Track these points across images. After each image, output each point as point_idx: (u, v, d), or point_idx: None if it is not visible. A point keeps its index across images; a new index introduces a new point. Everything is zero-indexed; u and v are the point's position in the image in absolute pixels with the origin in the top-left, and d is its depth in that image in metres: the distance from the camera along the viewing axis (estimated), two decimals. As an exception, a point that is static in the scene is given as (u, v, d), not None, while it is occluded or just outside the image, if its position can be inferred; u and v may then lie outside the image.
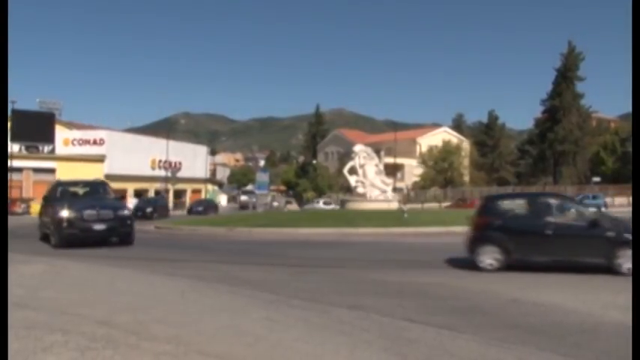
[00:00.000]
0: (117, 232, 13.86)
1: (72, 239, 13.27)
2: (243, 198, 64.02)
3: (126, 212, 14.37)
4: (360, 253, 14.02)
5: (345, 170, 31.49)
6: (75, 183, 17.33)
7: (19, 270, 8.35)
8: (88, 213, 13.50)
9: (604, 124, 78.96)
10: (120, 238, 14.00)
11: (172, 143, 57.11)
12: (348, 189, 34.25)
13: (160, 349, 4.31)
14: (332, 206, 48.60)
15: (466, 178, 66.10)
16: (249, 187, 74.59)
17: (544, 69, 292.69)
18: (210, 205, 46.56)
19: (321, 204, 52.40)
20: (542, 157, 69.52)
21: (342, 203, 32.44)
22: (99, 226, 13.46)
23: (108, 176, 47.37)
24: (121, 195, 17.32)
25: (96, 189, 16.06)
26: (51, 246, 13.52)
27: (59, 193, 15.08)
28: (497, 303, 6.73)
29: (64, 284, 7.83)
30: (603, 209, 38.49)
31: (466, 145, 68.28)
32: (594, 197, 43.37)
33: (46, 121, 49.03)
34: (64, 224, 13.21)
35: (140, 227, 18.59)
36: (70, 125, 59.45)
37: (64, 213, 13.30)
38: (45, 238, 14.84)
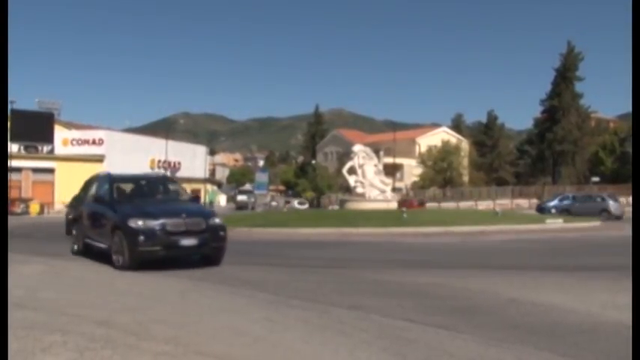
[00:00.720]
0: (208, 248, 9.89)
1: (150, 258, 9.40)
2: (241, 198, 63.15)
3: (218, 220, 10.19)
4: (360, 253, 14.04)
5: (345, 170, 31.47)
6: (133, 178, 12.63)
7: (18, 270, 8.34)
8: (174, 222, 9.49)
9: (603, 124, 79.05)
10: (208, 255, 10.05)
11: (171, 143, 57.21)
12: (348, 189, 34.25)
13: (158, 350, 4.32)
14: (305, 206, 54.73)
15: (465, 178, 66.16)
16: (247, 187, 74.44)
17: (543, 69, 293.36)
18: None
19: (295, 204, 54.49)
20: (542, 157, 69.61)
21: (342, 203, 32.42)
22: (188, 241, 9.48)
23: (107, 176, 47.43)
24: (195, 195, 13.54)
25: (157, 186, 11.93)
26: (116, 267, 9.47)
27: (115, 192, 10.78)
28: (496, 303, 6.74)
29: (64, 284, 7.83)
30: None
31: (465, 145, 68.30)
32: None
33: (45, 121, 49.09)
34: (141, 238, 9.19)
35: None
36: (69, 125, 59.57)
37: (139, 222, 9.30)
38: (87, 250, 11.24)
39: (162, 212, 9.75)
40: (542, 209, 37.86)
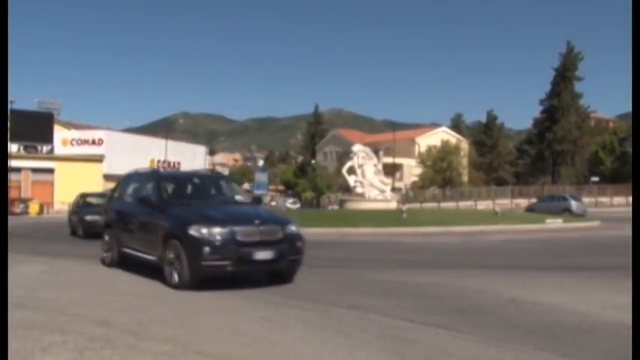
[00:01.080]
0: (285, 262, 7.92)
1: (215, 275, 7.59)
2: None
3: (295, 228, 8.27)
4: (359, 253, 14.04)
5: (344, 170, 31.46)
6: (183, 176, 10.89)
7: (18, 270, 8.33)
8: (246, 230, 7.64)
9: (602, 123, 79.19)
10: (283, 271, 8.14)
11: (171, 143, 57.10)
12: (347, 189, 34.26)
13: (158, 349, 4.32)
14: (297, 206, 56.89)
15: (465, 178, 66.17)
16: (246, 186, 74.34)
17: (543, 69, 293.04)
18: None
19: (287, 204, 55.33)
20: (541, 157, 69.64)
21: (341, 203, 32.42)
22: (263, 254, 7.61)
23: (107, 176, 47.42)
24: (257, 196, 12.10)
25: (210, 186, 9.84)
26: (170, 286, 7.58)
27: (165, 193, 8.96)
28: (495, 303, 6.74)
29: (63, 284, 7.82)
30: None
31: (465, 144, 68.31)
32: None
33: (45, 121, 48.99)
34: (205, 250, 7.33)
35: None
36: (69, 125, 59.54)
37: (202, 230, 7.44)
38: (123, 261, 9.35)
39: (230, 217, 7.84)
40: (533, 209, 39.13)
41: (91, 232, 16.59)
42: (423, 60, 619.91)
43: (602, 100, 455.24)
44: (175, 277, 7.57)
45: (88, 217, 17.63)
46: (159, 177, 9.41)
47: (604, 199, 52.83)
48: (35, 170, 46.93)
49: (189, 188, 9.63)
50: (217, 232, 7.46)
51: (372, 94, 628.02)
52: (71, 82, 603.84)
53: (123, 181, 10.58)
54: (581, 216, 31.08)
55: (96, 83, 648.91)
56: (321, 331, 5.16)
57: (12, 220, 21.55)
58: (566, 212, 32.22)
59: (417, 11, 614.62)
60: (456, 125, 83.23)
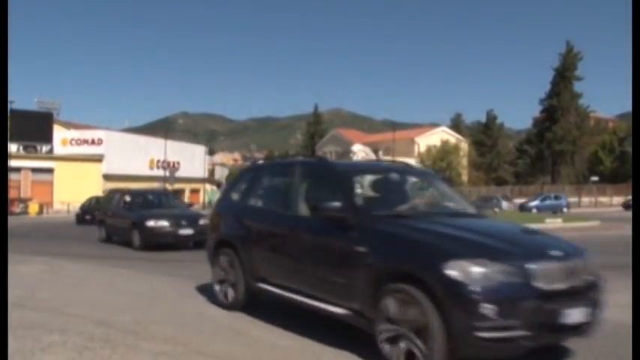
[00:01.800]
0: (593, 325, 4.25)
1: (496, 355, 3.84)
2: None
3: (585, 256, 4.72)
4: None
5: (344, 170, 31.51)
6: (374, 171, 6.08)
7: (17, 270, 8.32)
8: (547, 270, 3.95)
9: (602, 123, 79.36)
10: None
11: (170, 143, 57.10)
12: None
13: (158, 349, 4.31)
14: None
15: (464, 178, 66.24)
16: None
17: (542, 69, 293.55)
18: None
19: None
20: (541, 157, 69.77)
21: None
22: (577, 314, 4.02)
23: (106, 176, 47.45)
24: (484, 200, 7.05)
25: (411, 189, 5.95)
26: None
27: (356, 198, 5.17)
28: (495, 302, 6.72)
29: (63, 284, 7.81)
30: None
31: (464, 144, 68.39)
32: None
33: (44, 121, 49.04)
34: (486, 310, 3.64)
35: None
36: (68, 125, 59.61)
37: (473, 270, 3.78)
38: (252, 300, 6.04)
39: (509, 245, 4.27)
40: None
41: (155, 243, 13.39)
42: (422, 60, 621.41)
43: (601, 99, 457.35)
44: (418, 353, 3.94)
45: (151, 223, 13.61)
46: (337, 171, 5.66)
47: (603, 199, 52.94)
48: (35, 170, 46.95)
49: (386, 191, 5.65)
50: (503, 272, 3.85)
51: (372, 94, 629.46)
52: (70, 81, 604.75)
53: (248, 174, 6.94)
54: None
55: (95, 83, 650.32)
56: (322, 332, 5.16)
57: (12, 220, 21.56)
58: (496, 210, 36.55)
59: (418, 12, 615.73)
60: (456, 125, 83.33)
